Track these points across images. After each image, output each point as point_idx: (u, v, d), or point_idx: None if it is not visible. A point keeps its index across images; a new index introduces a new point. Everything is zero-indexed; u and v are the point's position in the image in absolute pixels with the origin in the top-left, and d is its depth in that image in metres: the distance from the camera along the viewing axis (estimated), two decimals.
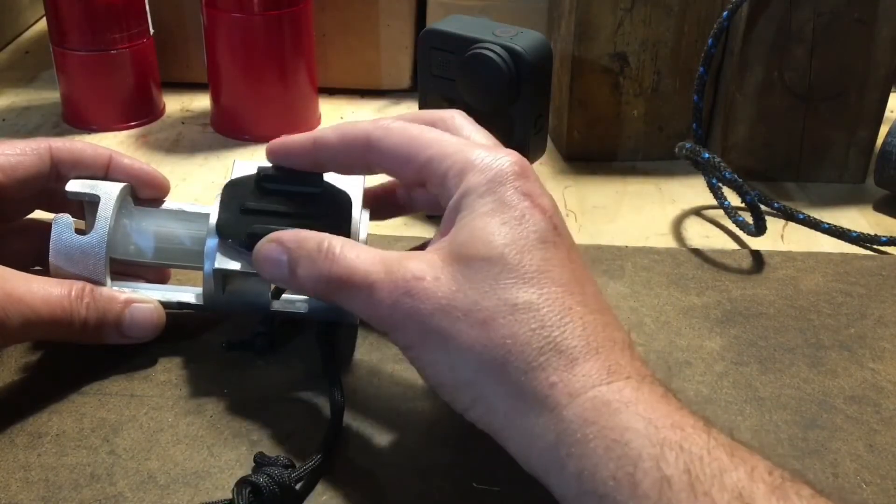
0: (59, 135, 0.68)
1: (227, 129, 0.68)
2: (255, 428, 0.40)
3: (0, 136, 0.67)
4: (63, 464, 0.37)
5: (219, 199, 0.42)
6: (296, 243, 0.38)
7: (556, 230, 0.36)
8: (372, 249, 0.37)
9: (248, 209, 0.41)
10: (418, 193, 0.47)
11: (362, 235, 0.43)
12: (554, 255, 0.35)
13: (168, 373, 0.43)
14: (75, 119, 0.69)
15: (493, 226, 0.35)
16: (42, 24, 0.88)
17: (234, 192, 0.42)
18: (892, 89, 0.63)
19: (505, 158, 0.37)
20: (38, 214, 0.46)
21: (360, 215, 0.43)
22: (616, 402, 0.31)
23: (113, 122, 0.69)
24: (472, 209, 0.36)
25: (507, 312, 0.33)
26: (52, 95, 0.72)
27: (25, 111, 0.72)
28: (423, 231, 0.57)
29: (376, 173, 0.42)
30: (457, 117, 0.41)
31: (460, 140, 0.38)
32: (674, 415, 0.31)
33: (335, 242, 0.37)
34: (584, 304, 0.34)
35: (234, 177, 0.43)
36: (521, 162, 0.37)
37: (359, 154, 0.40)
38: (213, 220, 0.42)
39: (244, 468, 0.37)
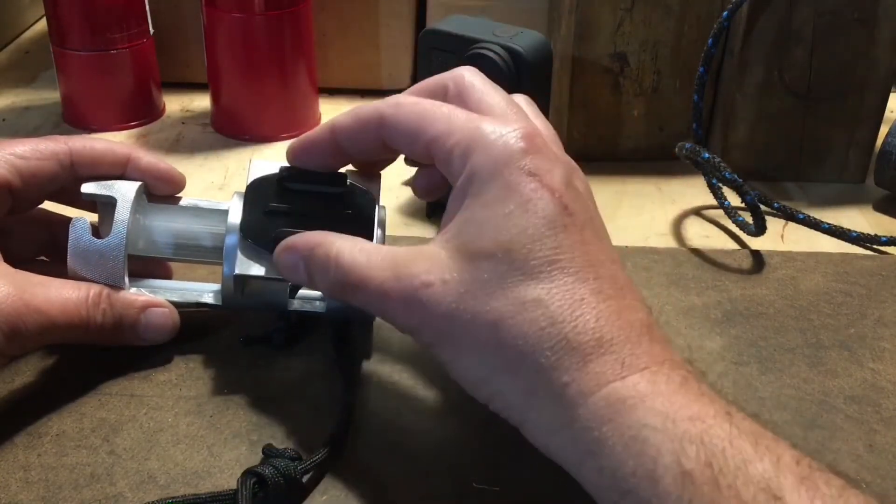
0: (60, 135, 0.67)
1: (227, 129, 0.68)
2: (256, 428, 0.40)
3: (0, 137, 0.67)
4: (63, 464, 0.37)
5: (236, 196, 0.42)
6: (308, 251, 0.38)
7: (566, 211, 0.34)
8: (381, 250, 0.36)
9: (272, 210, 0.41)
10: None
11: (381, 233, 0.43)
12: (564, 241, 0.33)
13: (168, 373, 0.43)
14: (75, 119, 0.69)
15: (497, 218, 0.34)
16: (42, 24, 0.88)
17: (257, 192, 0.42)
18: (892, 89, 0.63)
19: (511, 133, 0.35)
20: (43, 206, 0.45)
21: (376, 213, 0.43)
22: (631, 399, 0.30)
23: (113, 122, 0.69)
24: (476, 197, 0.34)
25: (516, 312, 0.32)
26: (52, 95, 0.72)
27: (25, 111, 0.72)
28: (423, 231, 0.57)
29: (394, 155, 0.41)
30: (466, 76, 0.39)
31: (469, 114, 0.37)
32: (692, 405, 0.30)
33: (344, 250, 0.37)
34: (598, 292, 0.33)
35: (252, 177, 0.42)
36: (528, 131, 0.35)
37: (373, 133, 0.39)
38: (232, 217, 0.42)
39: (244, 468, 0.37)
